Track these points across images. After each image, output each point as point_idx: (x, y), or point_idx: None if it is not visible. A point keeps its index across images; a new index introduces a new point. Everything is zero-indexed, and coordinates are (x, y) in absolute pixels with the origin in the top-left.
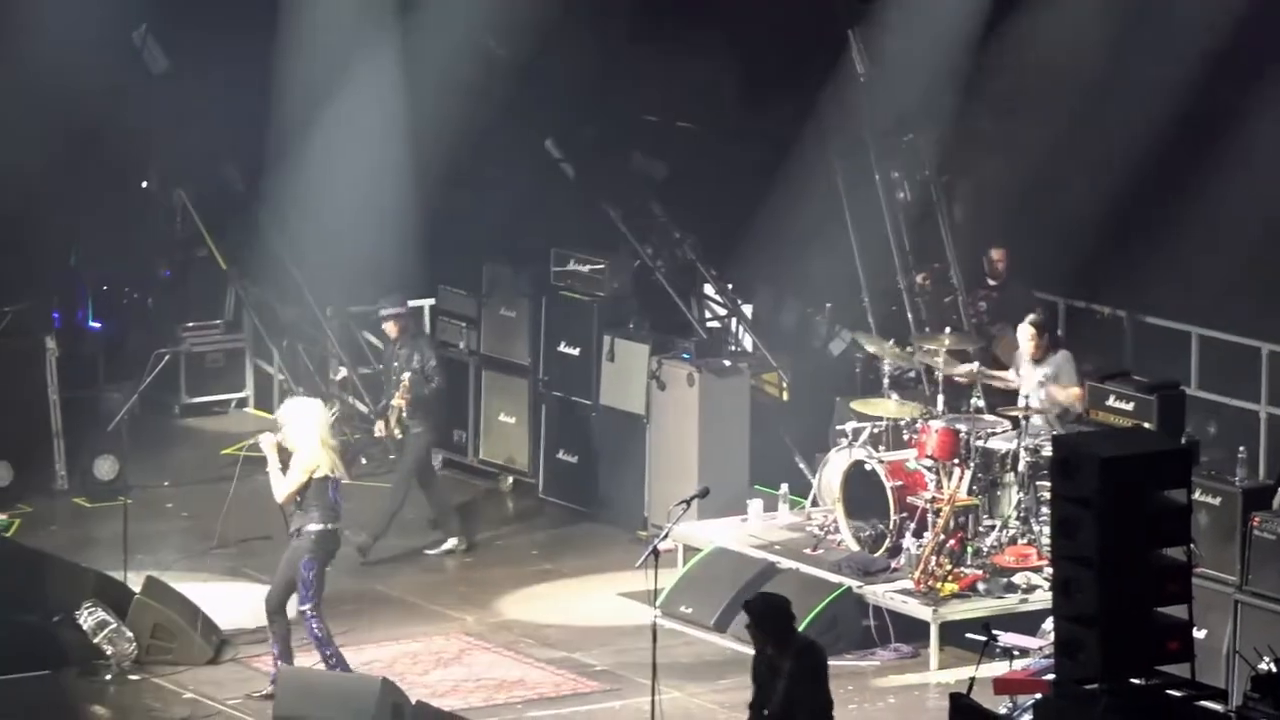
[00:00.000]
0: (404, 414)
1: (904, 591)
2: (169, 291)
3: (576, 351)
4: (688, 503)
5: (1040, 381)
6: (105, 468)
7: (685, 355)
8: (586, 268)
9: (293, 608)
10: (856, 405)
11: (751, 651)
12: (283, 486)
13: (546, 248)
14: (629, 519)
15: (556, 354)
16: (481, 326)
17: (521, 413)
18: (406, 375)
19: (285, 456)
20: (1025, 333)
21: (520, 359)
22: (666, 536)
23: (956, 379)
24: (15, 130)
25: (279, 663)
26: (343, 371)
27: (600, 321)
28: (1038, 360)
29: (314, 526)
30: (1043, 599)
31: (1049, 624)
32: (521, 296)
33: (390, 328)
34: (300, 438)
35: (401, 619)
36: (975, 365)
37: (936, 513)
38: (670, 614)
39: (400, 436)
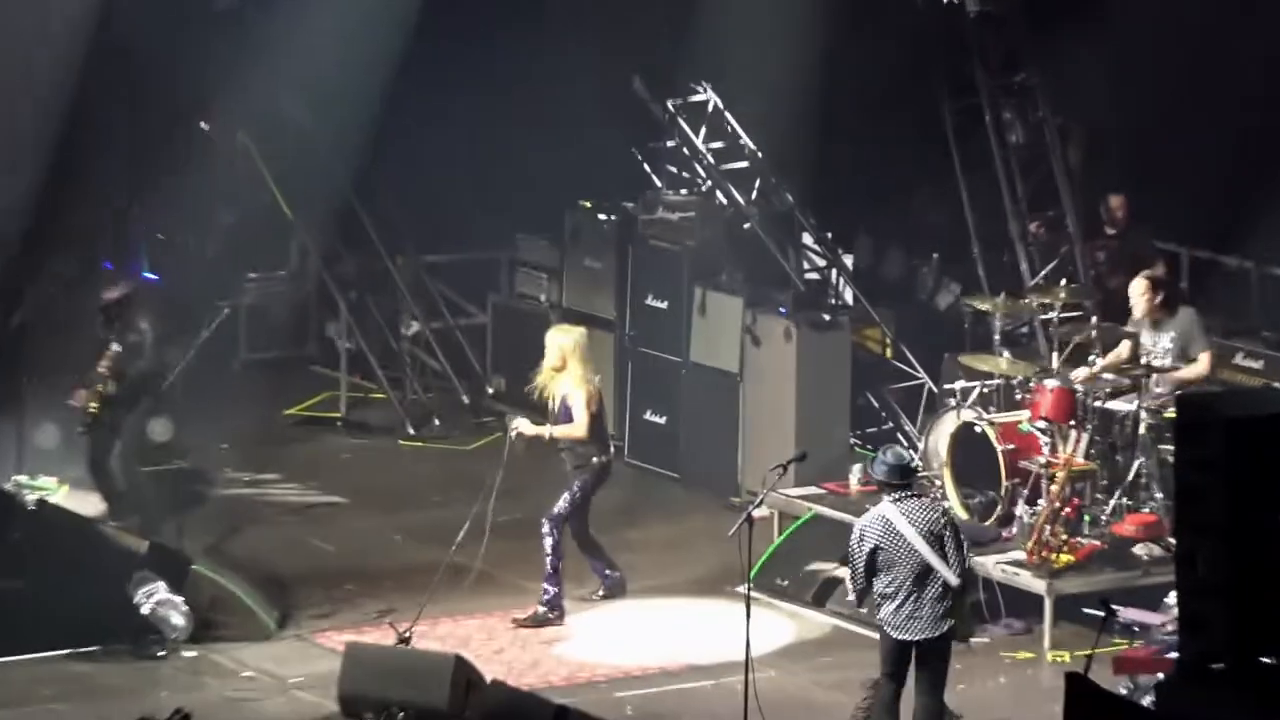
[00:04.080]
0: (106, 386)
1: (1016, 563)
2: (230, 240)
3: (665, 305)
4: (784, 467)
5: (1166, 349)
6: (159, 429)
7: (781, 309)
8: (676, 215)
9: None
10: (965, 361)
11: (854, 629)
12: (578, 428)
13: (634, 195)
14: (721, 485)
15: (644, 307)
16: (564, 278)
17: (606, 370)
18: (115, 346)
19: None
20: (1137, 288)
21: (605, 313)
22: (761, 504)
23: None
24: (73, 71)
25: (549, 586)
26: (415, 326)
27: (691, 273)
28: (1156, 322)
29: (598, 459)
30: (1165, 571)
31: (1172, 598)
32: (607, 246)
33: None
34: (576, 369)
35: (477, 591)
36: (1093, 360)
37: (1051, 479)
38: (765, 587)
39: (95, 410)
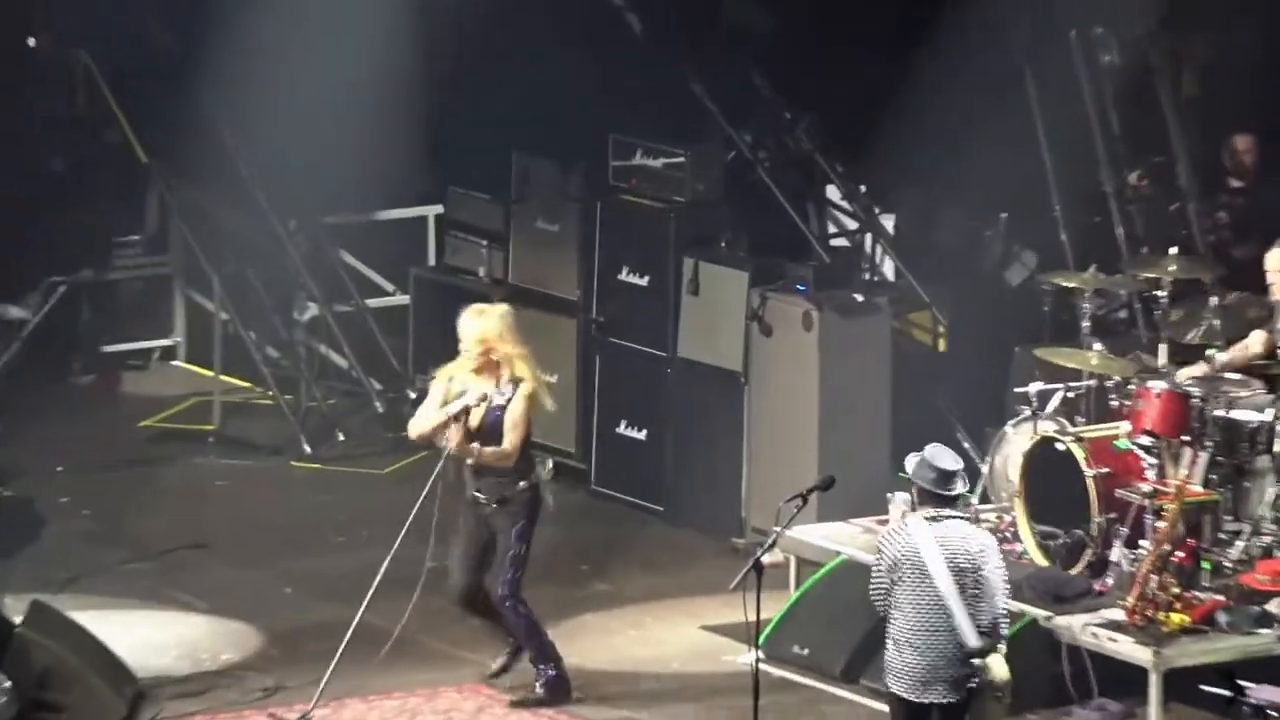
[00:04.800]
0: None
1: (1112, 625)
2: (64, 192)
3: (645, 281)
4: (804, 497)
5: None
6: None
7: (800, 287)
8: (659, 162)
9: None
10: (1043, 356)
11: None
12: (510, 449)
13: (603, 135)
14: (720, 521)
15: (617, 285)
16: (510, 245)
17: (567, 368)
18: None
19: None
20: (1274, 261)
21: (564, 291)
22: (773, 546)
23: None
24: None
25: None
26: (312, 308)
27: (678, 238)
28: None
29: (525, 484)
30: None
31: None
32: (567, 202)
33: None
34: (511, 363)
35: (398, 663)
36: (1214, 355)
37: (1158, 512)
38: (778, 656)
39: None
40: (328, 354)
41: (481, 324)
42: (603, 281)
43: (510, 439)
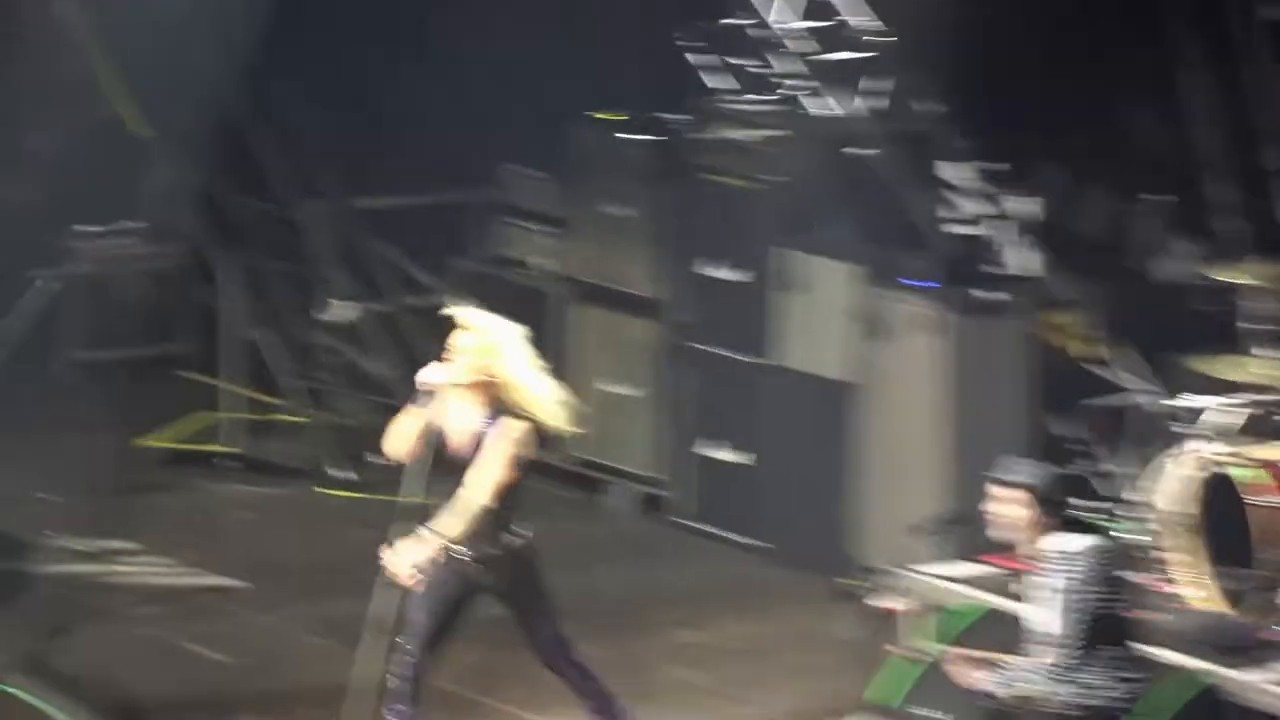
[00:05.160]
0: None
1: None
2: (49, 176)
3: (735, 276)
4: (934, 531)
5: None
6: None
7: (921, 282)
8: (748, 135)
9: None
10: (1202, 367)
11: None
12: (483, 490)
13: (678, 102)
14: (826, 557)
15: (700, 280)
16: (571, 233)
17: (642, 378)
18: None
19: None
20: None
21: (637, 287)
22: (891, 588)
23: None
24: None
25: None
26: (341, 308)
27: (773, 226)
28: None
29: (491, 551)
30: None
31: None
32: (638, 183)
33: None
34: (510, 388)
35: None
36: None
37: None
38: None
39: None
40: (357, 361)
41: (471, 343)
42: (683, 276)
43: (489, 472)
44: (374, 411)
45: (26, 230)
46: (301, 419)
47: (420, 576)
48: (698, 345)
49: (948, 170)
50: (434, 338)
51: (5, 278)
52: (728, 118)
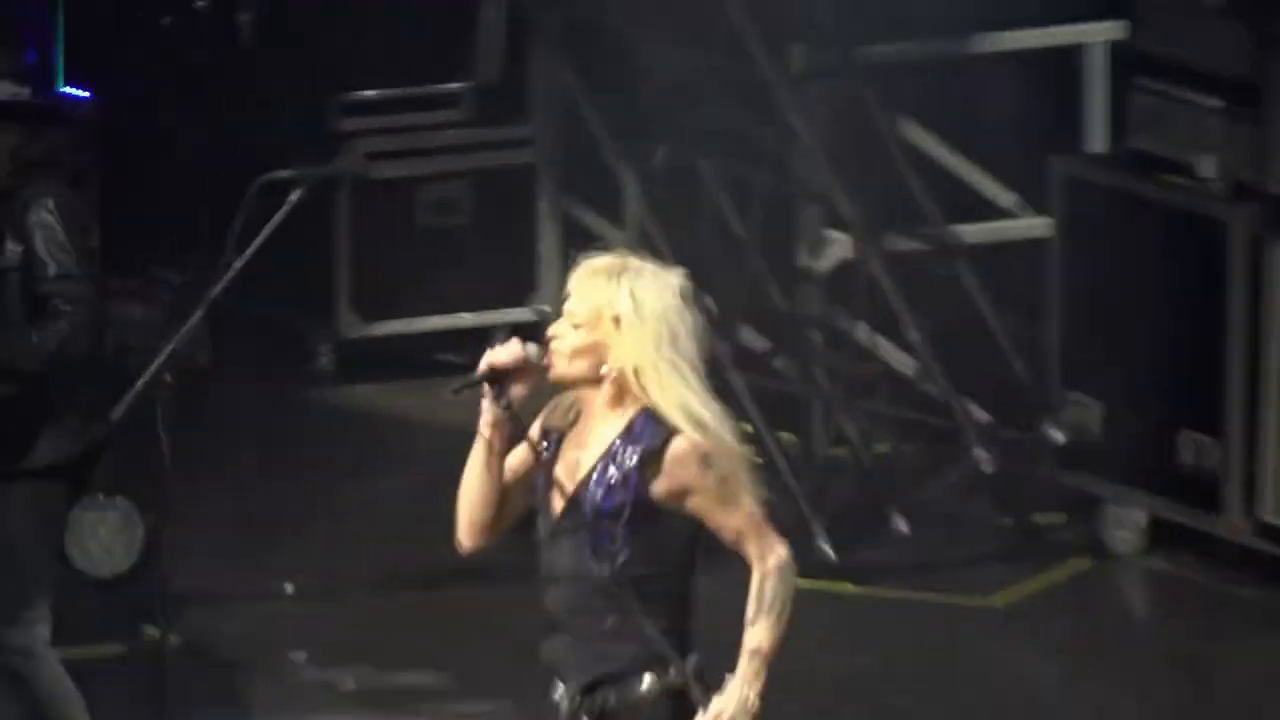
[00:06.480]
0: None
1: None
2: None
3: None
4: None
5: None
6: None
7: None
8: None
9: None
10: None
11: None
12: (746, 515)
13: None
14: None
15: None
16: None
17: None
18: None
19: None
20: None
21: None
22: None
23: None
24: None
25: None
26: (840, 243)
27: None
28: None
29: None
30: None
31: None
32: None
33: None
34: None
35: None
36: None
37: None
38: None
39: None
40: (875, 343)
41: (607, 288)
42: None
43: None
44: (903, 439)
45: None
46: (766, 450)
47: None
48: None
49: None
50: (1008, 303)
51: None
52: None
